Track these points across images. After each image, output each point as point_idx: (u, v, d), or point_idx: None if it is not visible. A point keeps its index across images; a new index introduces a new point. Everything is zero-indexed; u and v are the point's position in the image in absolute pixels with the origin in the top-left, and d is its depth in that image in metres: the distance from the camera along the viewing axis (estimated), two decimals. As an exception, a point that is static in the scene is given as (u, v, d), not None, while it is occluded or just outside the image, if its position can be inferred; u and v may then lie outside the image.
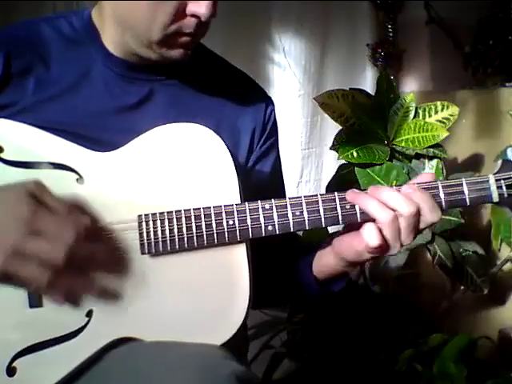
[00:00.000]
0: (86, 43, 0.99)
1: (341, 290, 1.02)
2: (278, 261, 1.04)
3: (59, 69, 0.97)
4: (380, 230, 0.85)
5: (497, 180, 0.88)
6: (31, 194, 0.77)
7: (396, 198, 0.85)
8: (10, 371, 0.83)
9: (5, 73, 0.94)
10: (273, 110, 1.12)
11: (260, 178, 1.09)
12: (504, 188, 0.88)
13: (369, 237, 0.85)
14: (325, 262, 0.98)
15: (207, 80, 1.05)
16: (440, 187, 0.87)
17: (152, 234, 0.85)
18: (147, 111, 0.99)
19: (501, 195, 0.88)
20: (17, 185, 0.79)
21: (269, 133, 1.10)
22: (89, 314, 0.85)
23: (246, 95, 1.08)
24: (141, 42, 0.92)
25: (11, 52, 0.95)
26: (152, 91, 1.00)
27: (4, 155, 0.87)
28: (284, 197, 1.11)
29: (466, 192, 0.87)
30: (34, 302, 0.84)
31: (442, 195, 0.87)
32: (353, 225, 0.90)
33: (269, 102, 1.12)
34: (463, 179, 0.88)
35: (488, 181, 0.88)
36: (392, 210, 0.85)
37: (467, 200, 0.88)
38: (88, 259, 0.80)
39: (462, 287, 1.83)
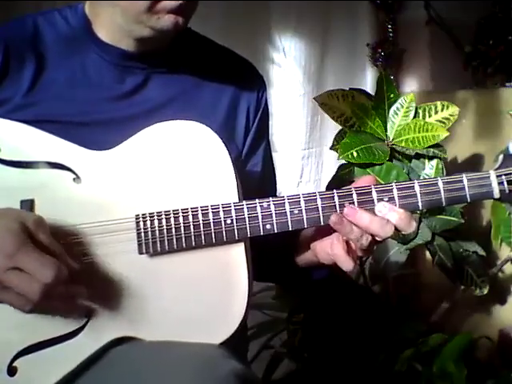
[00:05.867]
0: (80, 36, 1.00)
1: (322, 278, 1.03)
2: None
3: (55, 63, 0.98)
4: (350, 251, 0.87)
5: (498, 176, 0.87)
6: (25, 230, 0.76)
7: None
8: (11, 371, 0.83)
9: (3, 68, 0.95)
10: (265, 89, 1.14)
11: (256, 158, 1.10)
12: (505, 184, 0.87)
13: (342, 263, 0.87)
14: (305, 257, 0.99)
15: (202, 67, 1.06)
16: (440, 183, 0.87)
17: (150, 233, 0.85)
18: (142, 98, 1.00)
19: (502, 191, 0.87)
20: (18, 214, 0.78)
21: (262, 112, 1.12)
22: (88, 313, 0.85)
23: (240, 77, 1.09)
24: (131, 18, 0.93)
25: (9, 48, 0.96)
26: (147, 79, 1.01)
27: (1, 155, 0.87)
28: (275, 181, 1.14)
29: (467, 188, 0.87)
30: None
31: (442, 191, 0.86)
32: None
33: (261, 81, 1.14)
34: (463, 175, 0.87)
35: (489, 177, 0.87)
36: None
37: (468, 196, 0.87)
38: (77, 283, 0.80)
39: (462, 287, 1.83)
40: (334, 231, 0.87)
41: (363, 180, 0.90)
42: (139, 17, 0.92)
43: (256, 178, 1.09)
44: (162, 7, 0.91)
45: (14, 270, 0.74)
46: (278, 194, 1.15)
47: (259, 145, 1.11)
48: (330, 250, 0.88)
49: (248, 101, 1.09)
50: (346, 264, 0.86)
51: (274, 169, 1.18)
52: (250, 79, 1.12)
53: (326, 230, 0.90)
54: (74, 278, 0.78)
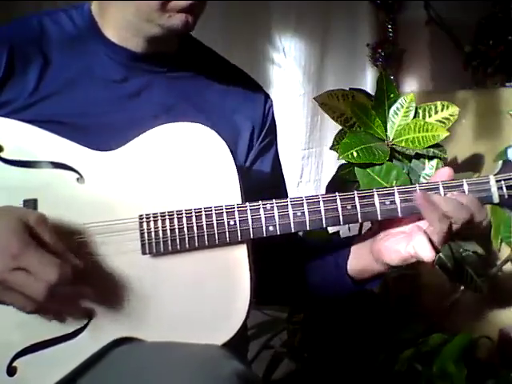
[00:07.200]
0: (86, 36, 1.00)
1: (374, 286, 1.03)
2: (284, 262, 1.05)
3: (60, 63, 0.98)
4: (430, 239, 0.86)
5: (497, 181, 0.88)
6: (27, 229, 0.76)
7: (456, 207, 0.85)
8: (11, 371, 0.83)
9: (8, 69, 0.95)
10: (271, 106, 1.13)
11: (260, 174, 1.09)
12: (504, 189, 0.88)
13: (424, 252, 0.86)
14: (363, 264, 0.98)
15: (207, 75, 1.07)
16: (441, 188, 0.88)
17: (153, 234, 0.85)
18: (146, 99, 1.00)
19: (501, 196, 0.88)
20: (19, 213, 0.78)
21: (268, 129, 1.11)
22: (89, 314, 0.85)
23: (245, 92, 1.10)
24: (143, 16, 0.94)
25: (14, 48, 0.96)
26: (151, 81, 1.01)
27: (4, 154, 0.86)
28: (286, 193, 1.12)
29: (467, 193, 0.88)
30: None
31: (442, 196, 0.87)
32: (382, 224, 0.92)
33: (267, 98, 1.14)
34: (464, 180, 0.88)
35: (488, 182, 0.88)
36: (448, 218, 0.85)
37: None
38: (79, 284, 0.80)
39: (462, 287, 1.83)
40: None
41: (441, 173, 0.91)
42: (150, 15, 0.93)
43: (264, 188, 1.07)
44: (173, 6, 0.92)
45: (17, 270, 0.74)
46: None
47: (265, 157, 1.10)
48: (411, 242, 0.87)
49: (253, 118, 1.09)
50: (428, 252, 0.85)
51: (283, 178, 1.17)
52: (255, 96, 1.12)
53: (388, 231, 0.92)
54: (78, 277, 0.78)
